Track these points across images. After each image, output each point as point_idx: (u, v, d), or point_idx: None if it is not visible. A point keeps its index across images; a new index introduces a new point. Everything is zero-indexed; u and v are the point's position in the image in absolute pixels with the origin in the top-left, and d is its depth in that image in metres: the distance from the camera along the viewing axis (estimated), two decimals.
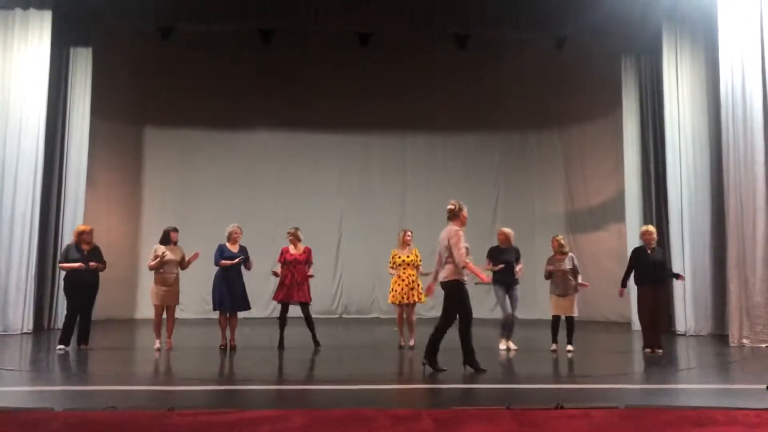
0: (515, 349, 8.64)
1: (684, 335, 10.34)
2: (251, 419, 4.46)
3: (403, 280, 8.97)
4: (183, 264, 8.74)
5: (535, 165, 14.97)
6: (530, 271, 10.29)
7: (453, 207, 6.96)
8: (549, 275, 8.79)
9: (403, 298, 8.94)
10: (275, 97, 14.44)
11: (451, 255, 6.73)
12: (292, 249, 9.14)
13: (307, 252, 9.16)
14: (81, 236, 8.71)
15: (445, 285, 6.85)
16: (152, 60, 13.92)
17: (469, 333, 6.84)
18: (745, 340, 9.24)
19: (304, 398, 5.83)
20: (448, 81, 14.57)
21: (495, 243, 9.10)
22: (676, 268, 10.45)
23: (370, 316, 14.43)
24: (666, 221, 11.09)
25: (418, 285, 8.99)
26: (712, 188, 10.53)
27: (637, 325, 9.99)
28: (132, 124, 14.19)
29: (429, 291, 7.37)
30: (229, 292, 8.79)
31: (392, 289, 9.07)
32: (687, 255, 10.48)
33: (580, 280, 8.78)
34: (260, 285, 13.58)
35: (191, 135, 14.49)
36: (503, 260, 8.73)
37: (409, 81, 14.49)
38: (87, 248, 8.67)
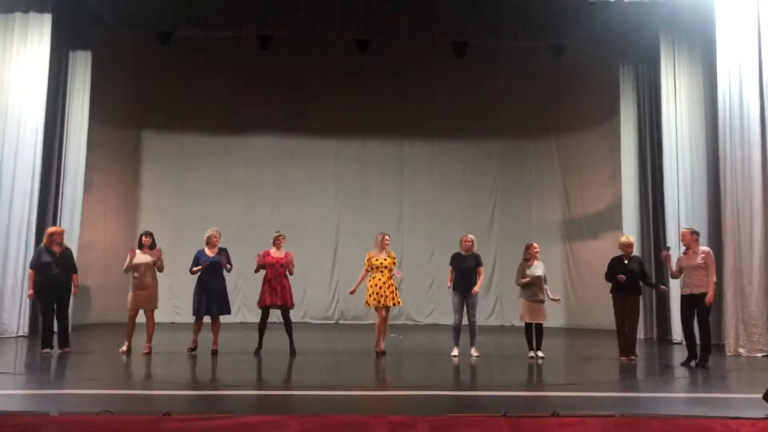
0: (477, 356, 8.62)
1: (680, 344, 10.31)
2: (247, 425, 4.45)
3: (381, 282, 8.79)
4: (158, 266, 8.64)
5: (532, 172, 14.98)
6: None
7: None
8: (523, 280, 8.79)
9: (380, 300, 8.75)
10: (273, 102, 14.47)
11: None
12: (273, 251, 8.95)
13: (288, 256, 8.97)
14: (52, 237, 8.56)
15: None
16: (151, 65, 13.94)
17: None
18: (741, 350, 9.22)
19: (299, 404, 5.82)
20: (446, 88, 14.60)
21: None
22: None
23: (367, 322, 14.37)
24: (663, 230, 11.11)
25: (394, 287, 8.90)
26: (708, 197, 10.54)
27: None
28: (130, 129, 14.19)
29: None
30: (207, 297, 8.63)
31: (370, 293, 8.84)
32: None
33: (547, 286, 8.85)
34: (256, 290, 13.54)
35: (189, 140, 14.50)
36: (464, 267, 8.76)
37: (407, 88, 14.52)
38: (58, 250, 8.54)
